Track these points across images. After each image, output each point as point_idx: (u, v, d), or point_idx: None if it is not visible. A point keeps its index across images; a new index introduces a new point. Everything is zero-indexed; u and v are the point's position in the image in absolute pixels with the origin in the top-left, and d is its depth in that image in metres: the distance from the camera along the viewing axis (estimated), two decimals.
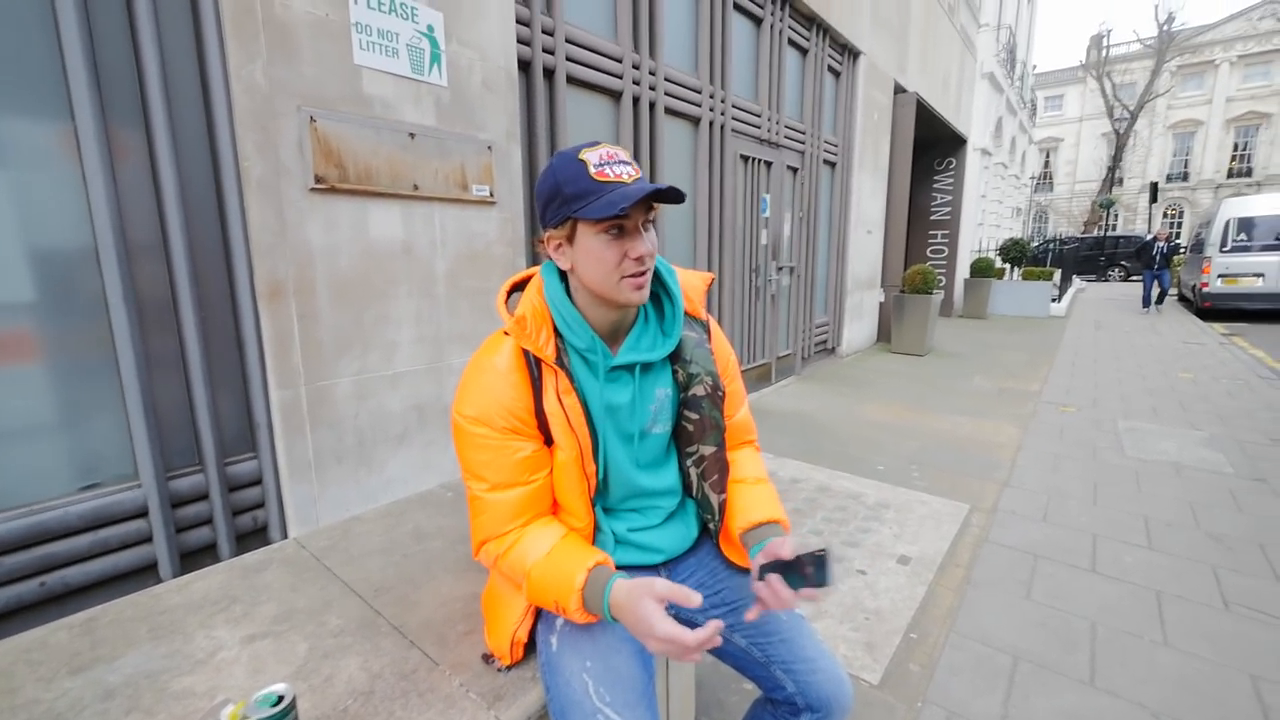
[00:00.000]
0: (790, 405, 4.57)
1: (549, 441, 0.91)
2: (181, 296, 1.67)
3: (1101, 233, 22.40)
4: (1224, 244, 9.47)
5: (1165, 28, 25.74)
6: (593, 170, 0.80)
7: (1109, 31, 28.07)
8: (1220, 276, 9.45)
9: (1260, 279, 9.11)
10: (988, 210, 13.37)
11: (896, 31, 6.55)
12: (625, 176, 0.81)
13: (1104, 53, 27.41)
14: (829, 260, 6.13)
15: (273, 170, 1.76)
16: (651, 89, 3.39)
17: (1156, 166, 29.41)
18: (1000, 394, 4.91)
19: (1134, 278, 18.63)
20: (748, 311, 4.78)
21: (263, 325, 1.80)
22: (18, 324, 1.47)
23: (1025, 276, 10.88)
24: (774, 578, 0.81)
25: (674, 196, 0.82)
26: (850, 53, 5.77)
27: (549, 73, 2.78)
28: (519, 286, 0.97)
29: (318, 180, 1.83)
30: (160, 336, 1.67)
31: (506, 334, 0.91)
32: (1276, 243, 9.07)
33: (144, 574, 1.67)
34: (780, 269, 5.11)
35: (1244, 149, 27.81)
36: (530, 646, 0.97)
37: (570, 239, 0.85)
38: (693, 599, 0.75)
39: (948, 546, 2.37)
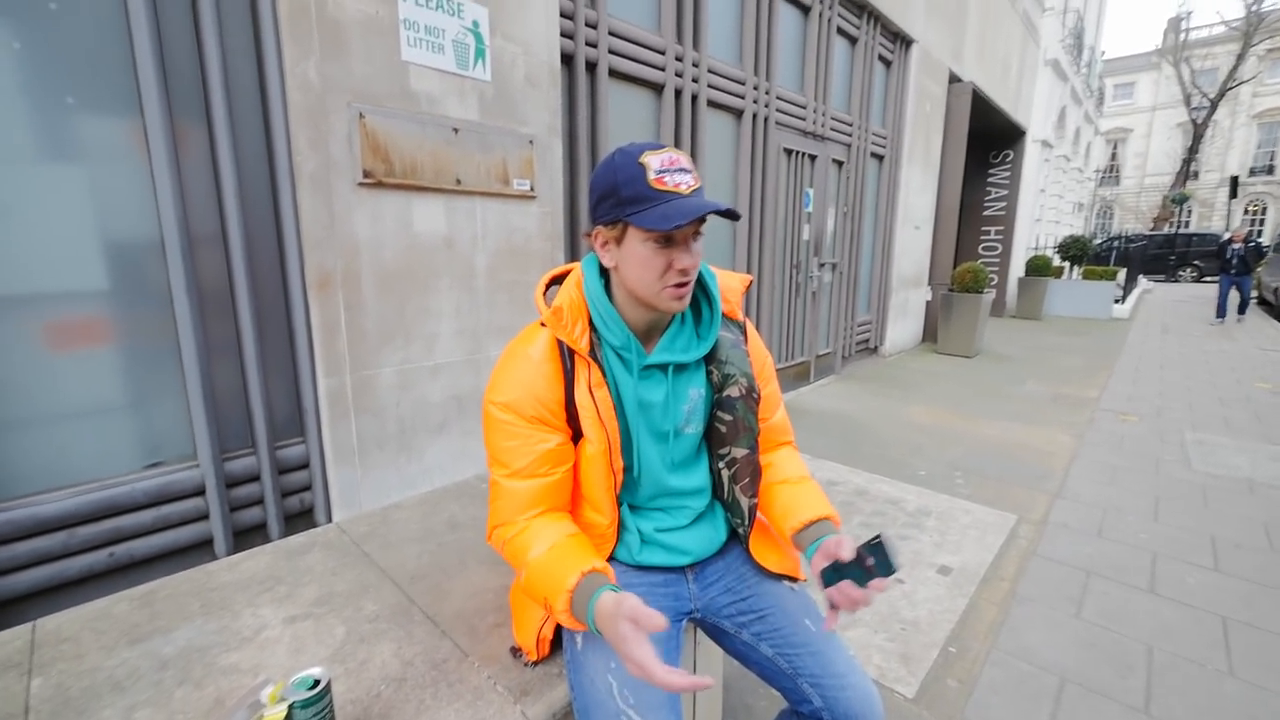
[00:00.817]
0: (829, 405, 4.47)
1: (577, 436, 0.91)
2: (238, 286, 1.75)
3: (1173, 230, 20.96)
4: None
5: (1253, 8, 23.74)
6: (652, 176, 0.80)
7: (1189, 14, 26.12)
8: None
9: None
10: (1046, 205, 12.70)
11: (953, 18, 6.26)
12: (684, 187, 0.81)
13: (1183, 36, 25.53)
14: (874, 257, 5.95)
15: (323, 165, 1.82)
16: (694, 81, 3.35)
17: (1237, 159, 27.24)
18: (1054, 400, 4.67)
19: (1207, 278, 17.40)
20: (787, 308, 4.69)
21: (312, 315, 1.87)
22: (95, 311, 1.57)
23: (1085, 276, 10.29)
24: (846, 583, 0.82)
25: (729, 216, 0.82)
26: (902, 41, 5.56)
27: (591, 66, 2.77)
28: (558, 280, 0.97)
29: (365, 175, 1.89)
30: (218, 324, 1.75)
31: (543, 325, 0.92)
32: None
33: (200, 549, 1.76)
34: (822, 265, 4.99)
35: None
36: (556, 643, 0.98)
37: (619, 240, 0.85)
38: (655, 620, 0.70)
39: (992, 558, 2.28)
